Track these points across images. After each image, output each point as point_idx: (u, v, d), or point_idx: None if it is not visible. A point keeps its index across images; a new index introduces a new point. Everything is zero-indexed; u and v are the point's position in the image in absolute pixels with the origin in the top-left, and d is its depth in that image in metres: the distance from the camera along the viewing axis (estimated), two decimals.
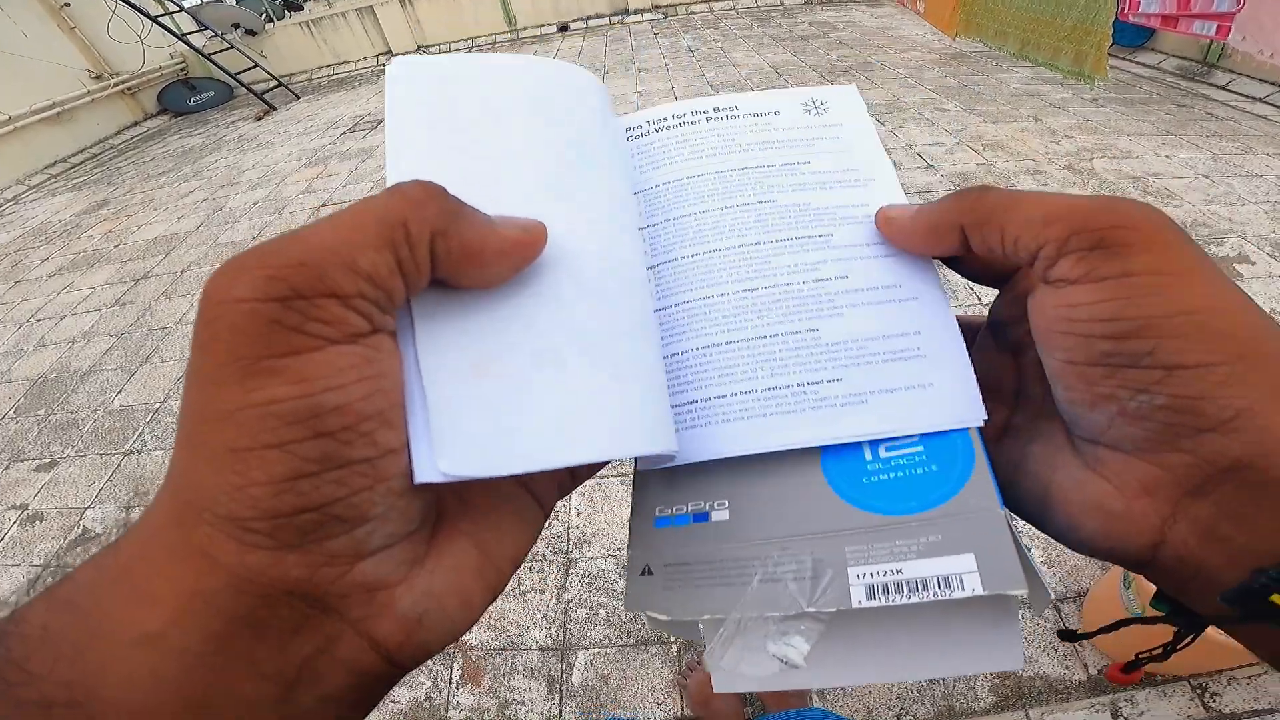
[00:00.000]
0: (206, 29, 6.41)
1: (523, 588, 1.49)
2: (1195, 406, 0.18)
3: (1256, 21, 2.54)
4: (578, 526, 1.61)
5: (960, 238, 0.23)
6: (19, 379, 2.59)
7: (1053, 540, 0.24)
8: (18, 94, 5.51)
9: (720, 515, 0.25)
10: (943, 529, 0.21)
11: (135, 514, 1.85)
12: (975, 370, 0.26)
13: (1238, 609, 0.18)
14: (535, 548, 1.56)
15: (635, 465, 0.27)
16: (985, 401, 0.25)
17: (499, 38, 7.60)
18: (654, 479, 0.27)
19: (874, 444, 0.25)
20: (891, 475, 0.24)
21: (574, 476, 0.25)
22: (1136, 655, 0.27)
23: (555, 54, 6.18)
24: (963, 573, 0.20)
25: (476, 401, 0.19)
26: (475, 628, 1.42)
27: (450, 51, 0.26)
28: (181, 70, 7.32)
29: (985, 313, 0.28)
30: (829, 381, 0.25)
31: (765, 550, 0.23)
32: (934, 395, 0.25)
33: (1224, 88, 3.66)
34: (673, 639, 1.34)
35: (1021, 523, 0.24)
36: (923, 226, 0.25)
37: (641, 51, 5.98)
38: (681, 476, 0.26)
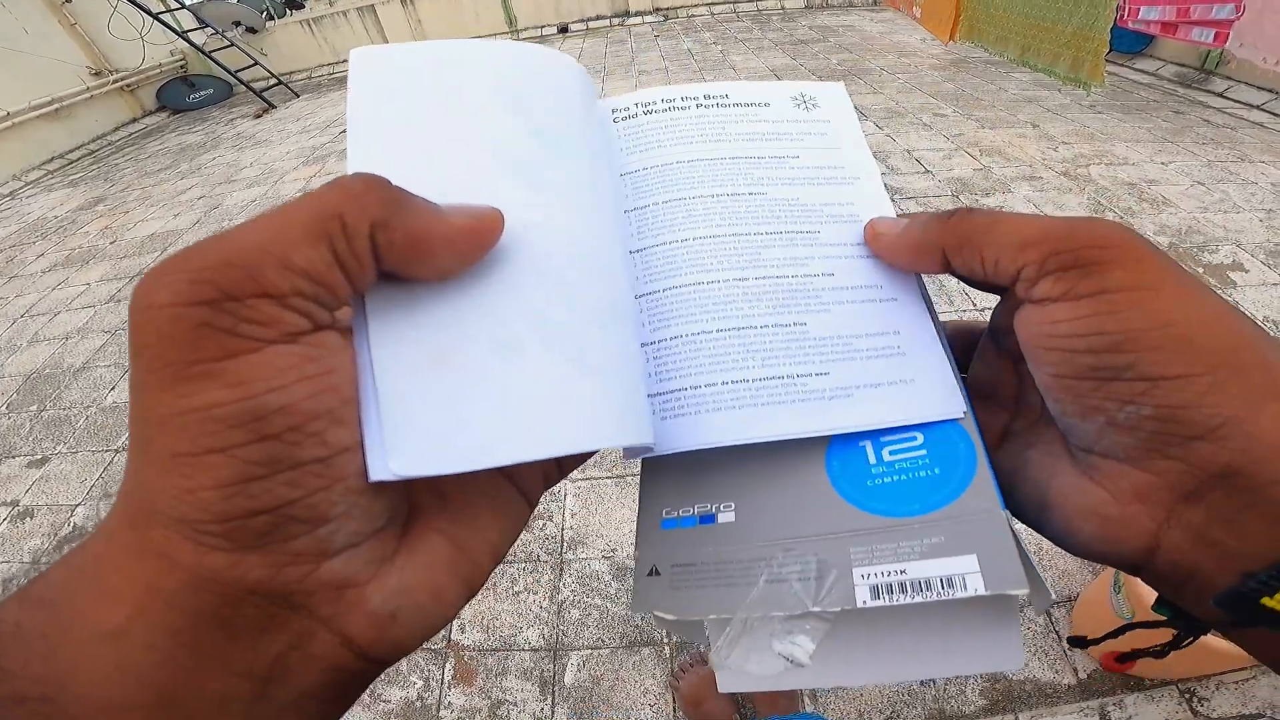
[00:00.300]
0: (207, 26, 6.40)
1: (516, 588, 1.48)
2: (1181, 416, 0.18)
3: (1258, 28, 2.55)
4: (572, 528, 1.60)
5: (942, 259, 0.24)
6: (12, 375, 2.58)
7: (1045, 546, 0.24)
8: (17, 90, 5.49)
9: (726, 517, 0.25)
10: (946, 530, 0.22)
11: None
12: (975, 377, 0.27)
13: (1229, 613, 0.18)
14: (529, 549, 1.56)
15: (640, 463, 0.27)
16: (985, 408, 0.26)
17: (499, 38, 7.58)
18: (661, 480, 0.27)
19: (878, 447, 0.25)
20: (895, 478, 0.24)
21: (560, 467, 0.25)
22: (1134, 649, 0.28)
23: None
24: (965, 573, 0.20)
25: (432, 395, 0.19)
26: (468, 628, 1.42)
27: None
28: (181, 67, 7.30)
29: (984, 318, 0.28)
30: (816, 375, 0.25)
31: (771, 551, 0.23)
32: (915, 390, 0.25)
33: (1221, 95, 3.67)
34: (666, 641, 1.34)
35: (1019, 525, 0.24)
36: (907, 246, 0.26)
37: (641, 54, 5.99)
38: (688, 478, 0.26)
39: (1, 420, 2.32)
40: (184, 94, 7.02)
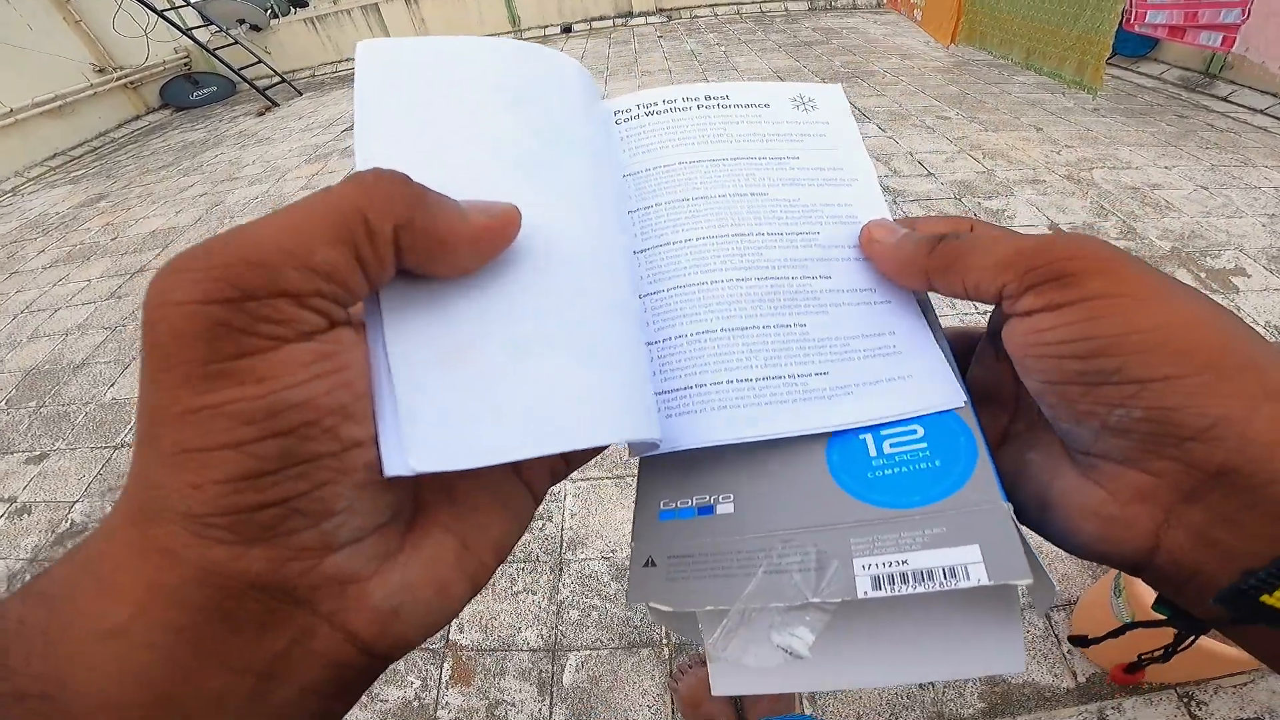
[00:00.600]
0: (212, 24, 6.41)
1: (515, 588, 1.48)
2: (1172, 417, 0.18)
3: (1265, 32, 2.54)
4: (571, 528, 1.60)
5: (926, 283, 0.25)
6: (11, 370, 2.58)
7: (1045, 549, 0.24)
8: (21, 87, 5.48)
9: (725, 508, 0.25)
10: (947, 521, 0.22)
11: None
12: (974, 379, 0.27)
13: (1229, 611, 0.18)
14: (529, 549, 1.56)
15: (639, 459, 0.27)
16: (985, 410, 0.26)
17: (503, 37, 7.59)
18: (659, 472, 0.27)
19: (878, 439, 0.25)
20: (895, 470, 0.24)
21: (568, 463, 0.25)
22: (1139, 656, 0.28)
23: None
24: (968, 563, 0.20)
25: (447, 392, 0.19)
26: (466, 627, 1.41)
27: None
28: (185, 65, 7.31)
29: (983, 322, 0.29)
30: (816, 374, 0.26)
31: (770, 543, 0.23)
32: (913, 384, 0.26)
33: (1225, 99, 3.66)
34: (665, 642, 1.34)
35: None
36: (896, 262, 0.27)
37: (644, 54, 5.98)
38: (686, 470, 0.26)
39: (0, 416, 2.32)
40: (187, 91, 7.02)
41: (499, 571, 1.50)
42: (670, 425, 0.25)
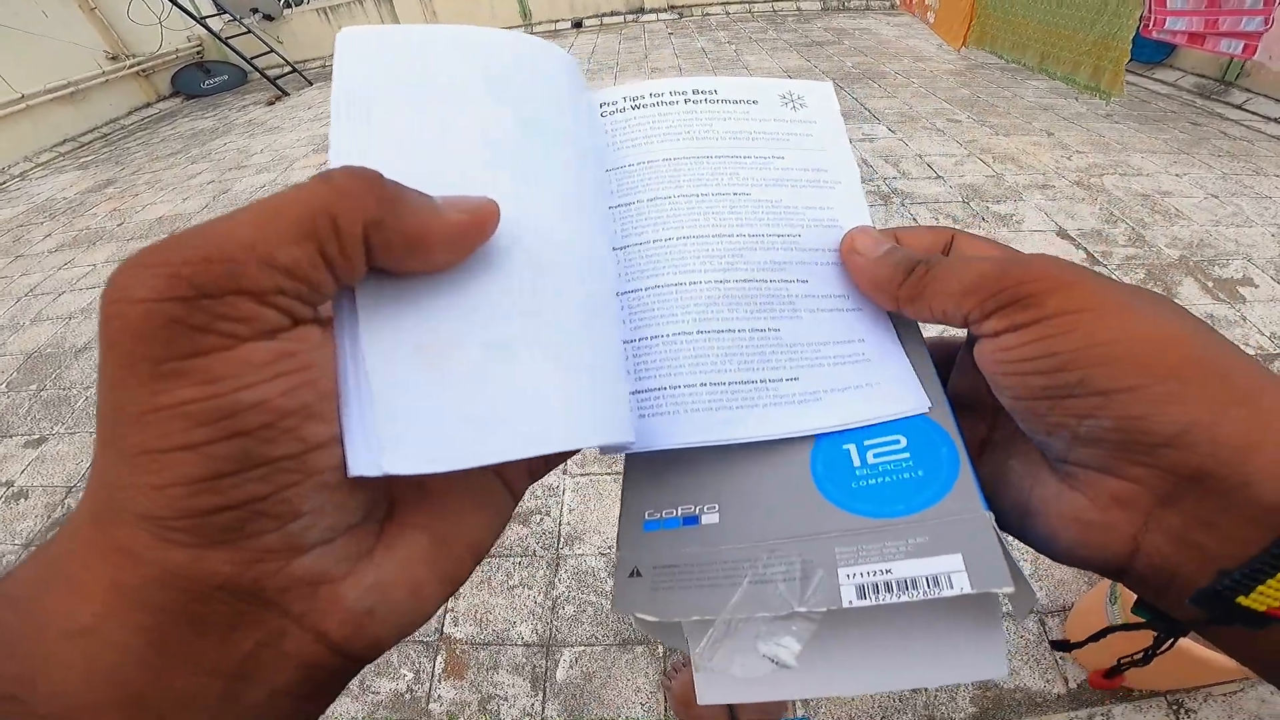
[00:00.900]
0: (225, 13, 6.43)
1: (511, 583, 1.48)
2: (1141, 425, 0.19)
3: None
4: (569, 523, 1.60)
5: (897, 306, 0.26)
6: (13, 353, 2.59)
7: (1039, 555, 0.24)
8: (34, 73, 5.52)
9: (710, 519, 0.25)
10: (930, 531, 0.22)
11: None
12: (955, 389, 0.28)
13: (1206, 612, 0.19)
14: (526, 543, 1.56)
15: (624, 466, 0.27)
16: (965, 419, 0.26)
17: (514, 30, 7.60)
18: (643, 481, 0.27)
19: (862, 450, 0.25)
20: (879, 480, 0.24)
21: (546, 462, 0.25)
22: (1119, 660, 0.29)
23: (569, 50, 6.24)
24: (951, 572, 0.20)
25: (423, 393, 0.18)
26: (460, 621, 1.42)
27: None
28: (198, 53, 7.34)
29: (963, 333, 0.29)
30: (787, 380, 0.26)
31: (755, 553, 0.23)
32: (879, 392, 0.26)
33: (1240, 106, 3.64)
34: (659, 640, 1.34)
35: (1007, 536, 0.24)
36: (870, 282, 0.27)
37: (655, 51, 5.98)
38: (672, 480, 0.26)
39: (0, 399, 2.33)
40: (199, 80, 7.06)
41: (494, 565, 1.50)
42: (643, 425, 0.25)
